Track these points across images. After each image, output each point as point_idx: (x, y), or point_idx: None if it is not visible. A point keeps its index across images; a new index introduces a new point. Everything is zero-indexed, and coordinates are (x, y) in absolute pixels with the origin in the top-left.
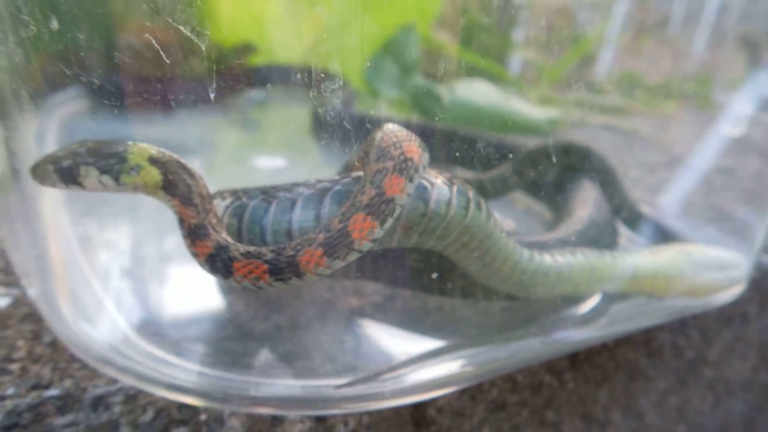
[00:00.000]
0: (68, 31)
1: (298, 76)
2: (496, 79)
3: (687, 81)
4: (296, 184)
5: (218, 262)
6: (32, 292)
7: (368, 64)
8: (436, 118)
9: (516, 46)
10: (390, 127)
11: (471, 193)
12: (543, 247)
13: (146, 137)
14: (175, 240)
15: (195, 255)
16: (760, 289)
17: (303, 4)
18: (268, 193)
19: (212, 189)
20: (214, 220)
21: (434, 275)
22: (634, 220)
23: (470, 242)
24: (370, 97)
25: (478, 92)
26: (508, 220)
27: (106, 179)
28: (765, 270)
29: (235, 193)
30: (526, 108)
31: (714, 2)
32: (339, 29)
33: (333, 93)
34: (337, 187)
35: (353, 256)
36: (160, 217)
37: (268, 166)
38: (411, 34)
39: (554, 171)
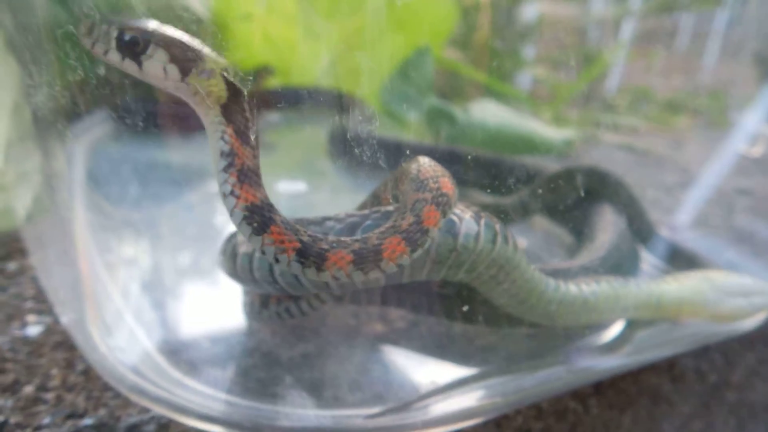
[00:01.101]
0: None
1: (315, 97)
2: (510, 98)
3: (699, 96)
4: (327, 218)
5: (256, 217)
6: (65, 319)
7: (384, 85)
8: (452, 140)
9: (527, 64)
10: (425, 160)
11: (498, 226)
12: (567, 274)
13: (167, 161)
14: (206, 268)
15: (234, 196)
16: None
17: (319, 28)
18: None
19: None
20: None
21: (464, 308)
22: (655, 244)
23: (497, 274)
24: (387, 118)
25: (492, 113)
26: (521, 239)
27: (173, 70)
28: None
29: None
30: (541, 128)
31: (723, 15)
32: (356, 51)
33: (350, 115)
34: (368, 223)
35: (375, 274)
36: (193, 244)
37: (288, 190)
38: (426, 55)
39: (574, 195)
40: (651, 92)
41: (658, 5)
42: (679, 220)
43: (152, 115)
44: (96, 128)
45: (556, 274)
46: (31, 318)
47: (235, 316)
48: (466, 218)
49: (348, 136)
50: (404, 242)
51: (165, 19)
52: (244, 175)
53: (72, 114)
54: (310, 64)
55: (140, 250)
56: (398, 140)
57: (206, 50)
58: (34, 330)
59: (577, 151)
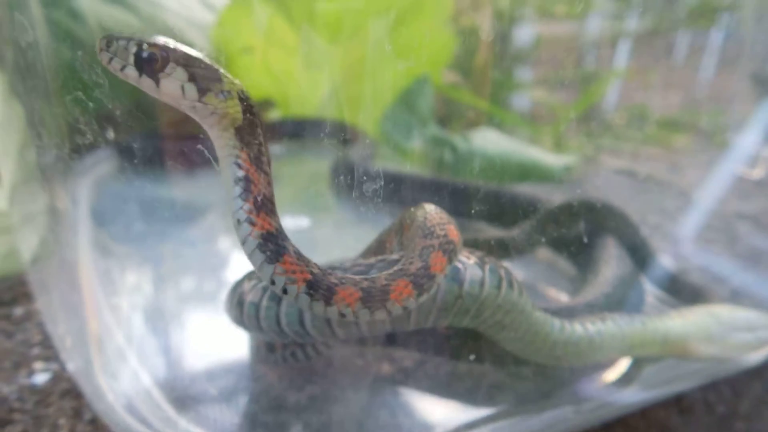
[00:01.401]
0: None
1: (316, 128)
2: (510, 124)
3: (697, 113)
4: (332, 267)
5: (270, 245)
6: (71, 366)
7: (385, 114)
8: (454, 169)
9: (526, 86)
10: (431, 207)
11: (503, 272)
12: (572, 312)
13: (170, 198)
14: (210, 309)
15: (250, 224)
16: None
17: (320, 58)
18: None
19: (239, 252)
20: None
21: (471, 357)
22: (658, 276)
23: (503, 319)
24: (388, 147)
25: (492, 141)
26: (522, 271)
27: (191, 89)
28: None
29: None
30: (541, 155)
31: (719, 30)
32: (356, 81)
33: (352, 147)
34: (372, 272)
35: (380, 315)
36: (197, 284)
37: (291, 226)
38: (426, 84)
39: (577, 227)
40: (648, 111)
41: (654, 25)
42: (682, 247)
43: (156, 152)
44: (100, 165)
45: (561, 312)
46: (38, 365)
47: (241, 359)
48: (470, 264)
49: (350, 170)
50: (411, 285)
51: None
52: (259, 202)
53: (76, 152)
54: (310, 94)
55: (144, 292)
56: (401, 173)
57: (224, 71)
58: (41, 378)
59: (577, 176)
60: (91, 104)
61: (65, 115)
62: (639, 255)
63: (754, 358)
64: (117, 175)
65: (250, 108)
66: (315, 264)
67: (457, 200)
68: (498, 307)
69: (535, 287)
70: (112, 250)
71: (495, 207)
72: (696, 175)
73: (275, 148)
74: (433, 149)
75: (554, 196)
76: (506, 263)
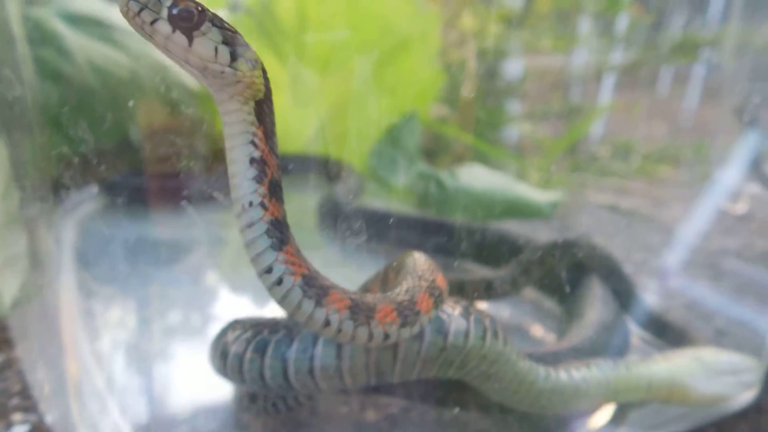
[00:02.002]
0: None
1: (304, 164)
2: (497, 158)
3: (681, 146)
4: None
5: (276, 231)
6: (50, 418)
7: (372, 150)
8: (440, 205)
9: (513, 119)
10: (420, 255)
11: (488, 321)
12: (557, 357)
13: (157, 236)
14: (197, 358)
15: (263, 207)
16: None
17: (307, 95)
18: (289, 327)
19: (227, 293)
20: None
21: (455, 410)
22: (643, 317)
23: (489, 370)
24: (375, 183)
25: (479, 177)
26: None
27: (224, 52)
28: None
29: (257, 326)
30: (528, 191)
31: (702, 61)
32: (343, 117)
33: (339, 184)
34: None
35: (362, 332)
36: (181, 328)
37: None
38: (413, 120)
39: (562, 268)
40: (633, 143)
41: (638, 59)
42: (667, 284)
43: (140, 190)
44: (85, 204)
45: (545, 358)
46: (16, 417)
47: (225, 406)
48: (455, 316)
49: (337, 207)
50: (396, 312)
51: (156, 92)
52: (273, 186)
53: (60, 191)
54: (298, 130)
55: (128, 335)
56: (387, 211)
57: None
58: (19, 430)
59: (563, 212)
60: (75, 143)
61: (50, 153)
62: (623, 295)
63: (739, 401)
64: (102, 214)
65: (269, 83)
66: (314, 268)
67: (444, 239)
68: (483, 358)
69: (520, 327)
70: (95, 292)
71: (482, 246)
72: (680, 210)
73: None
74: (420, 185)
75: (541, 233)
76: (492, 304)
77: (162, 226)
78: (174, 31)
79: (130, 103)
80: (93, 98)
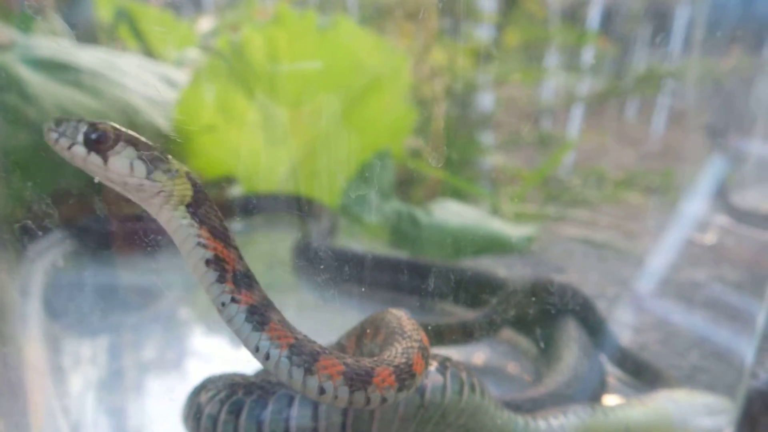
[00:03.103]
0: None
1: (277, 204)
2: (469, 193)
3: (649, 172)
4: None
5: (255, 315)
6: None
7: (345, 189)
8: (415, 243)
9: (486, 150)
10: (402, 313)
11: (464, 375)
12: (534, 404)
13: (127, 282)
14: (168, 413)
15: (234, 301)
16: (748, 414)
17: (279, 135)
18: (264, 389)
19: (201, 337)
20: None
21: None
22: (618, 356)
23: (467, 423)
24: (349, 222)
25: (454, 212)
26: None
27: (139, 166)
28: (750, 394)
29: (231, 386)
30: (502, 226)
31: (666, 88)
32: (316, 156)
33: (313, 224)
34: None
35: (359, 397)
36: (155, 382)
37: None
38: (386, 158)
39: (537, 309)
40: (604, 171)
41: (605, 90)
42: (639, 319)
43: (109, 235)
44: (52, 250)
45: (523, 405)
46: None
47: None
48: (432, 371)
49: (311, 248)
50: (394, 376)
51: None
52: (238, 278)
53: (25, 238)
54: (271, 170)
55: (97, 390)
56: (365, 253)
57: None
58: None
59: (538, 247)
60: (41, 187)
61: (14, 199)
62: (598, 336)
63: None
64: (69, 260)
65: (199, 186)
66: (302, 335)
67: (421, 279)
68: (461, 412)
69: (498, 368)
70: (63, 343)
71: (458, 286)
72: (651, 241)
73: (236, 226)
74: (395, 223)
75: (515, 268)
76: (469, 347)
77: (133, 271)
78: (89, 152)
79: None
80: None
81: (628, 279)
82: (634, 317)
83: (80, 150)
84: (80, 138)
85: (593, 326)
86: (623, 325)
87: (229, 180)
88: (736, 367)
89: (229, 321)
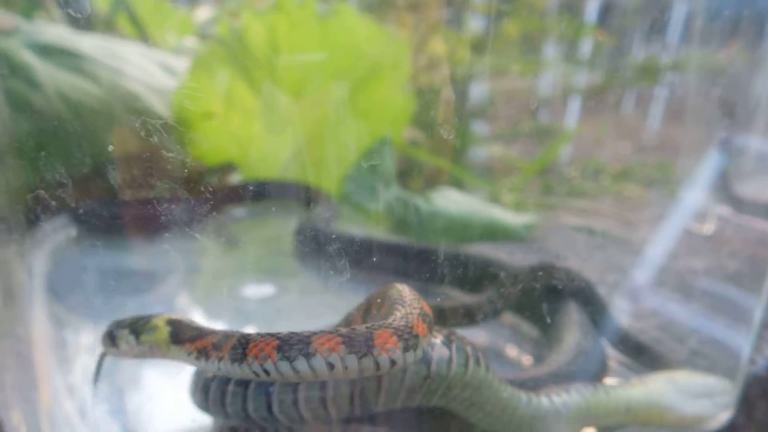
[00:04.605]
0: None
1: (279, 190)
2: (469, 182)
3: (647, 165)
4: None
5: (238, 350)
6: None
7: (347, 176)
8: (416, 230)
9: (483, 141)
10: (404, 287)
11: (469, 349)
12: (537, 383)
13: (131, 266)
14: (174, 389)
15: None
16: (746, 398)
17: (281, 121)
18: None
19: (202, 321)
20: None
21: None
22: (619, 339)
23: (471, 396)
24: (351, 208)
25: (454, 201)
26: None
27: (131, 339)
28: (749, 379)
29: None
30: (502, 214)
31: (665, 80)
32: (318, 143)
33: (315, 210)
34: None
35: (368, 362)
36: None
37: (256, 295)
38: (387, 145)
39: (540, 292)
40: (602, 163)
41: (602, 82)
42: (640, 305)
43: (114, 218)
44: (57, 234)
45: (526, 384)
46: None
47: None
48: (437, 344)
49: (314, 233)
50: (395, 337)
51: (129, 120)
52: (218, 345)
53: (32, 222)
54: (273, 157)
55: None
56: (366, 237)
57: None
58: None
59: (538, 234)
60: (47, 173)
61: (20, 184)
62: (599, 319)
63: (715, 423)
64: (75, 244)
65: (178, 323)
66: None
67: (422, 264)
68: (466, 385)
69: (499, 351)
70: (68, 324)
71: (461, 271)
72: (650, 230)
73: (238, 212)
74: (396, 210)
75: (517, 256)
76: (471, 329)
77: (136, 255)
78: (115, 348)
79: (102, 132)
80: (64, 128)
81: (628, 267)
82: (633, 304)
83: (112, 348)
84: (108, 342)
85: (594, 310)
86: (622, 312)
87: (231, 167)
88: (734, 353)
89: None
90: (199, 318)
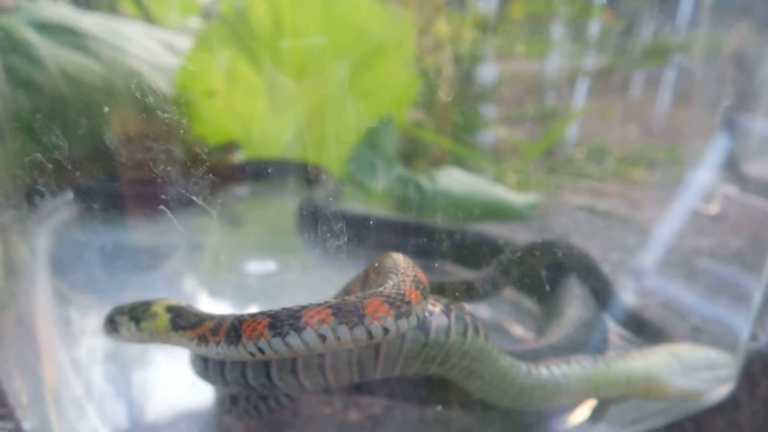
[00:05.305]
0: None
1: (282, 169)
2: (474, 161)
3: (654, 149)
4: None
5: (232, 333)
6: (27, 425)
7: (350, 155)
8: (419, 209)
9: (489, 123)
10: (399, 255)
11: (468, 318)
12: (537, 354)
13: (134, 243)
14: (176, 363)
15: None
16: (748, 374)
17: (284, 100)
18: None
19: (206, 298)
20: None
21: (438, 407)
22: (621, 314)
23: (470, 365)
24: (353, 187)
25: (457, 180)
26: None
27: (132, 325)
28: (751, 355)
29: None
30: (506, 194)
31: (672, 65)
32: (320, 121)
33: (317, 187)
34: None
35: (359, 332)
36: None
37: (258, 271)
38: (390, 124)
39: (541, 269)
40: (608, 146)
41: (610, 63)
42: (644, 283)
43: (116, 196)
44: (60, 212)
45: (526, 355)
46: None
47: (205, 410)
48: (436, 312)
49: (316, 211)
50: (386, 305)
51: (132, 98)
52: (215, 330)
53: (34, 199)
54: (275, 135)
55: (105, 342)
56: (368, 214)
57: (156, 300)
58: None
59: (541, 214)
60: (49, 149)
61: (23, 161)
62: (601, 294)
63: (715, 395)
64: (77, 221)
65: (178, 309)
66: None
67: (424, 241)
68: (464, 354)
69: (500, 326)
70: (71, 299)
71: (461, 248)
72: (655, 211)
73: (241, 190)
74: (399, 189)
75: (520, 234)
76: (472, 305)
77: (139, 232)
78: (117, 334)
79: (105, 110)
80: (66, 105)
81: (632, 246)
82: (636, 282)
83: (115, 335)
84: (109, 327)
85: (596, 285)
86: (626, 289)
87: (234, 145)
88: (735, 329)
89: (223, 355)
90: (203, 295)
